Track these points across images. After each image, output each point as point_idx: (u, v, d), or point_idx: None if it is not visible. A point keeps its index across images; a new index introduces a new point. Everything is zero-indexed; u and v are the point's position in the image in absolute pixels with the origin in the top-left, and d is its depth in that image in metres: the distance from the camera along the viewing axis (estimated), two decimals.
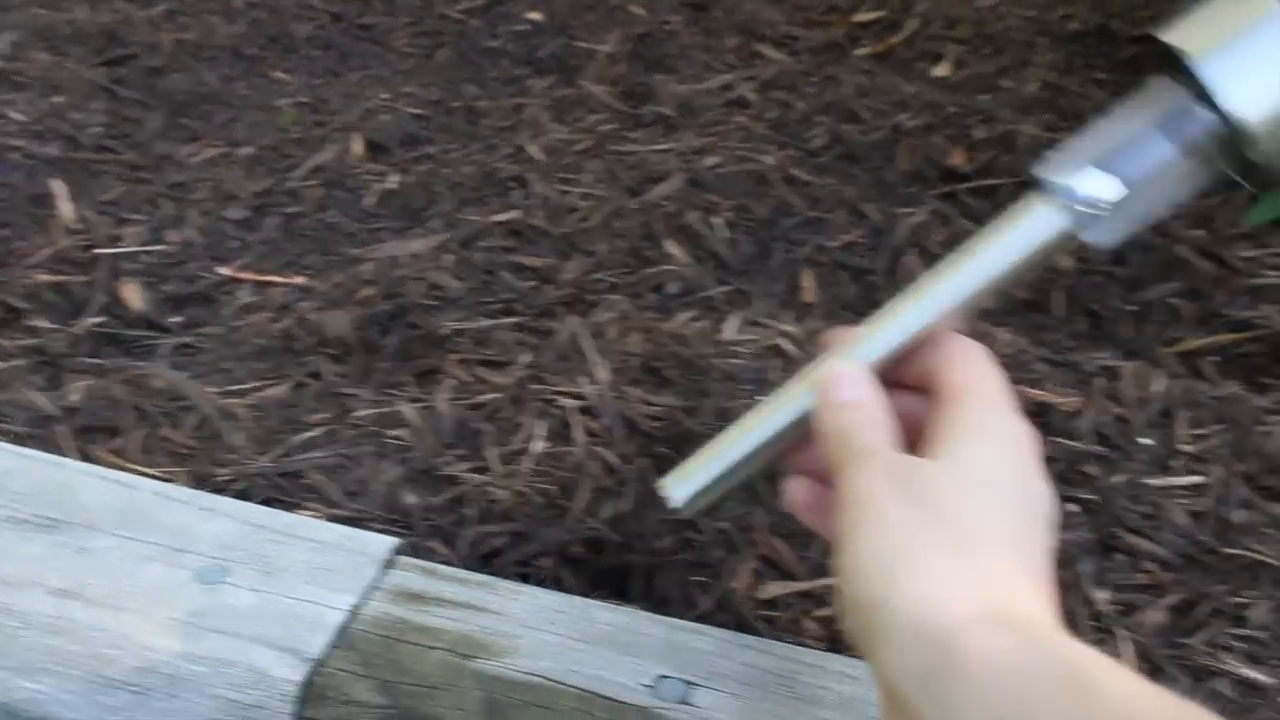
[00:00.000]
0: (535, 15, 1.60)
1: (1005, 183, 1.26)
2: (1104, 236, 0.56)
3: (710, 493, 0.63)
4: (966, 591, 0.50)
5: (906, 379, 0.60)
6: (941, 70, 1.51)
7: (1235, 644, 0.79)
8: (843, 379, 0.59)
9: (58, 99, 1.36)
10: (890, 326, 0.59)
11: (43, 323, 1.04)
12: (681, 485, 0.63)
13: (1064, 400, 0.95)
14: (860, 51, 1.54)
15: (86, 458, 0.87)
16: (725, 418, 0.88)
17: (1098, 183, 0.55)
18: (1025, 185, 0.57)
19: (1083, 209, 0.55)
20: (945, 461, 0.54)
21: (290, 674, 0.67)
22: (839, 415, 0.58)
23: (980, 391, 0.57)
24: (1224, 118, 0.52)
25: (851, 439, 0.57)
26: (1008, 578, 0.51)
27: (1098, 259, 1.17)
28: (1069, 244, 0.56)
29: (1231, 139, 0.53)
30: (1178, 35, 0.53)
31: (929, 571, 0.51)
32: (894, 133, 1.32)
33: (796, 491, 0.64)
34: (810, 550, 0.82)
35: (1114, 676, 0.47)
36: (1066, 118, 1.39)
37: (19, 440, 0.88)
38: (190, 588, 0.72)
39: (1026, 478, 0.55)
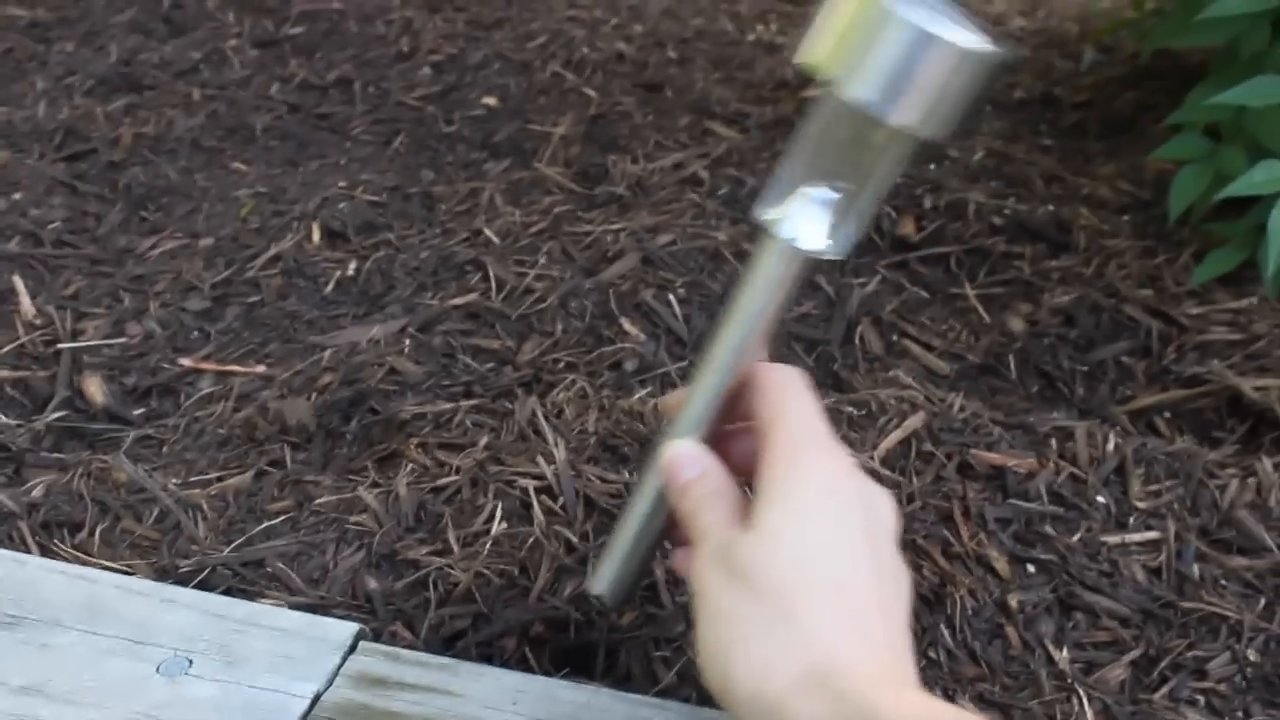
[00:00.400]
0: (491, 101, 1.62)
1: (954, 250, 1.28)
2: (836, 243, 0.60)
3: (625, 581, 0.70)
4: (790, 659, 0.53)
5: (744, 418, 0.64)
6: None
7: (1198, 697, 0.80)
8: (677, 461, 0.64)
9: (17, 195, 1.37)
10: (701, 392, 0.64)
11: (4, 418, 1.04)
12: (599, 580, 0.70)
13: (1019, 462, 0.96)
14: None
15: (48, 553, 0.87)
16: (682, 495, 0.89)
17: (802, 207, 0.59)
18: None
19: (802, 234, 0.59)
20: (758, 532, 0.57)
21: None
22: (682, 499, 0.63)
23: (787, 430, 0.60)
24: (862, 106, 0.56)
25: (694, 522, 0.62)
26: (827, 635, 0.54)
27: (1047, 322, 1.19)
28: (813, 260, 0.60)
29: (878, 122, 0.56)
30: (806, 51, 0.57)
31: (756, 648, 0.54)
32: None
33: (681, 561, 0.69)
34: None
35: None
36: (1013, 184, 1.42)
37: None
38: (153, 680, 0.72)
39: (840, 514, 0.58)
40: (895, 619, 0.58)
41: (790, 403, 0.62)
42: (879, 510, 0.61)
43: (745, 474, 0.63)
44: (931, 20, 0.54)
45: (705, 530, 0.61)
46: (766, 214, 0.60)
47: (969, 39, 0.55)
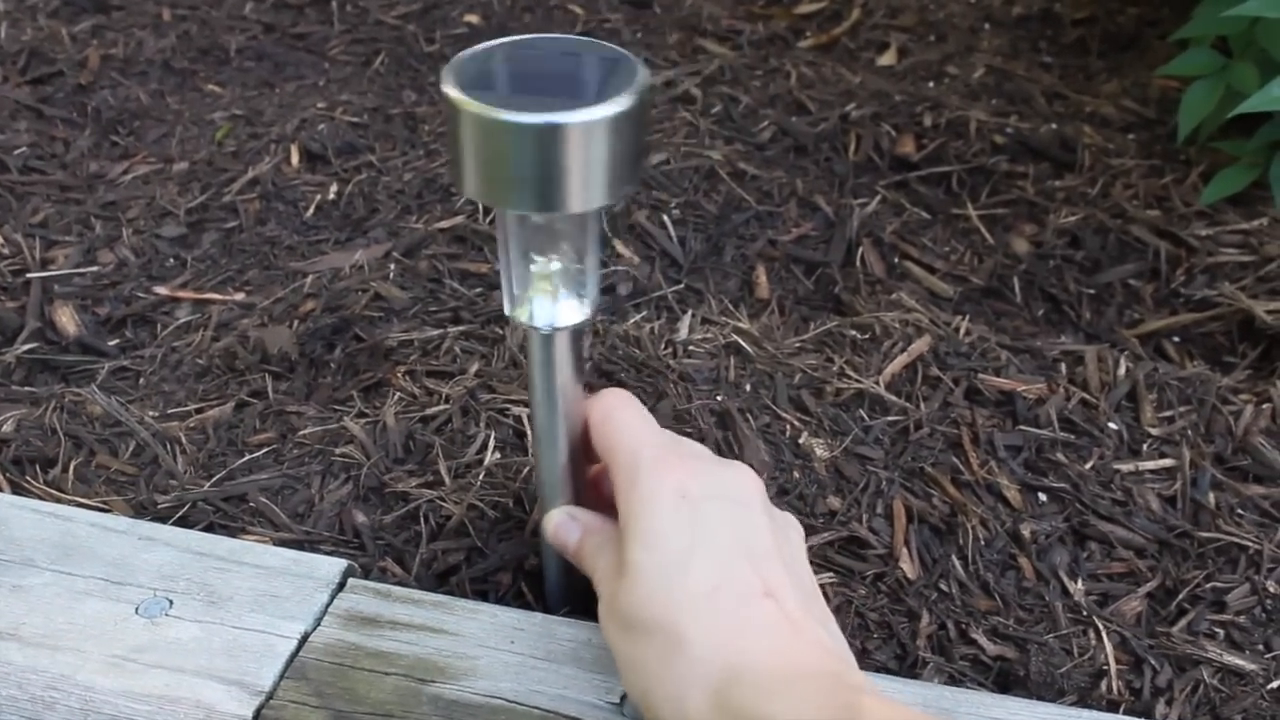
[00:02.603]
0: (473, 18, 1.57)
1: (956, 169, 1.24)
2: (583, 308, 0.61)
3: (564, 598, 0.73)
4: (694, 687, 0.54)
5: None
6: (887, 59, 1.49)
7: (1217, 630, 0.77)
8: (555, 533, 0.67)
9: None
10: (545, 466, 0.67)
11: None
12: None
13: (1028, 388, 0.93)
14: (804, 44, 1.52)
15: (20, 490, 0.84)
16: (683, 420, 0.86)
17: (537, 293, 0.60)
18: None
19: (547, 316, 0.61)
20: (626, 572, 0.58)
21: (239, 708, 0.64)
22: (577, 562, 0.66)
23: (619, 458, 0.62)
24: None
25: (591, 578, 0.63)
26: (716, 647, 0.54)
27: (1052, 243, 1.15)
28: (575, 329, 0.61)
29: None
30: (457, 184, 0.56)
31: (666, 687, 0.55)
32: (842, 123, 1.30)
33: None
34: None
35: None
36: (1014, 102, 1.38)
37: None
38: (131, 622, 0.69)
39: (693, 519, 0.58)
40: (787, 590, 0.57)
41: (616, 431, 0.63)
42: (737, 489, 0.61)
43: None
44: (536, 102, 0.51)
45: (597, 584, 0.62)
46: (514, 313, 0.61)
47: (582, 106, 0.51)
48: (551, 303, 0.60)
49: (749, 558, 0.57)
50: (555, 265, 0.60)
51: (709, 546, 0.57)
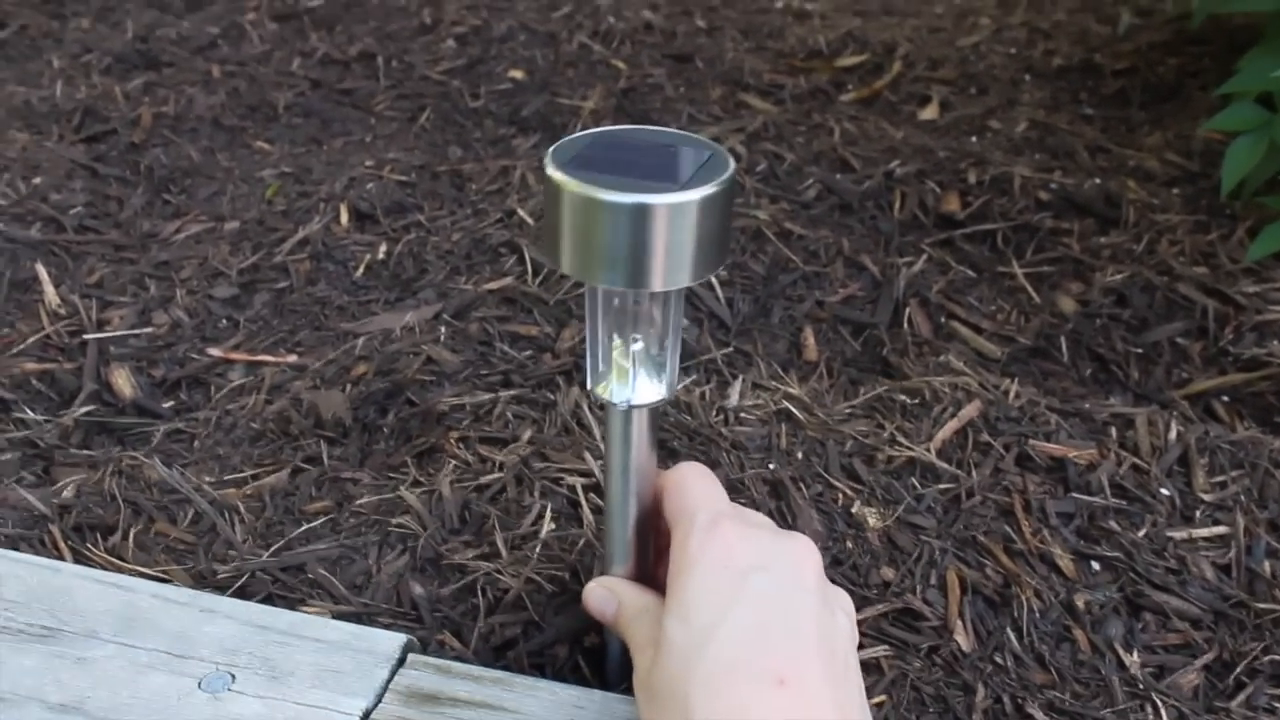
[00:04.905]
0: (517, 74, 1.58)
1: (1000, 226, 1.24)
2: (661, 388, 0.63)
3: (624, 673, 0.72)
4: None
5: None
6: (929, 113, 1.50)
7: (1276, 705, 0.77)
8: (594, 605, 0.68)
9: (37, 180, 1.34)
10: (612, 538, 0.69)
11: (31, 413, 1.02)
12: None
13: (1079, 453, 0.93)
14: (846, 97, 1.53)
15: (81, 558, 0.85)
16: (736, 490, 0.86)
17: (619, 371, 0.63)
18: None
19: (626, 393, 0.63)
20: (662, 642, 0.58)
21: None
22: (619, 632, 0.66)
23: (681, 524, 0.62)
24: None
25: (630, 648, 0.64)
26: None
27: (1099, 302, 1.15)
28: (654, 409, 0.64)
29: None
30: (546, 256, 0.60)
31: None
32: (886, 180, 1.30)
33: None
34: None
35: None
36: (1058, 156, 1.38)
37: (11, 542, 0.85)
38: (195, 697, 0.69)
39: (733, 588, 0.58)
40: (812, 677, 0.56)
41: (682, 496, 0.64)
42: (789, 563, 0.61)
43: None
44: (630, 183, 0.55)
45: (633, 655, 0.63)
46: (595, 388, 0.64)
47: (671, 189, 0.55)
48: (632, 381, 0.63)
49: (778, 637, 0.57)
50: (638, 345, 0.62)
51: (738, 623, 0.57)
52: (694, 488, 0.64)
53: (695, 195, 0.54)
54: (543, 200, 0.60)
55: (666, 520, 0.65)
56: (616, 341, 0.62)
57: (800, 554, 0.62)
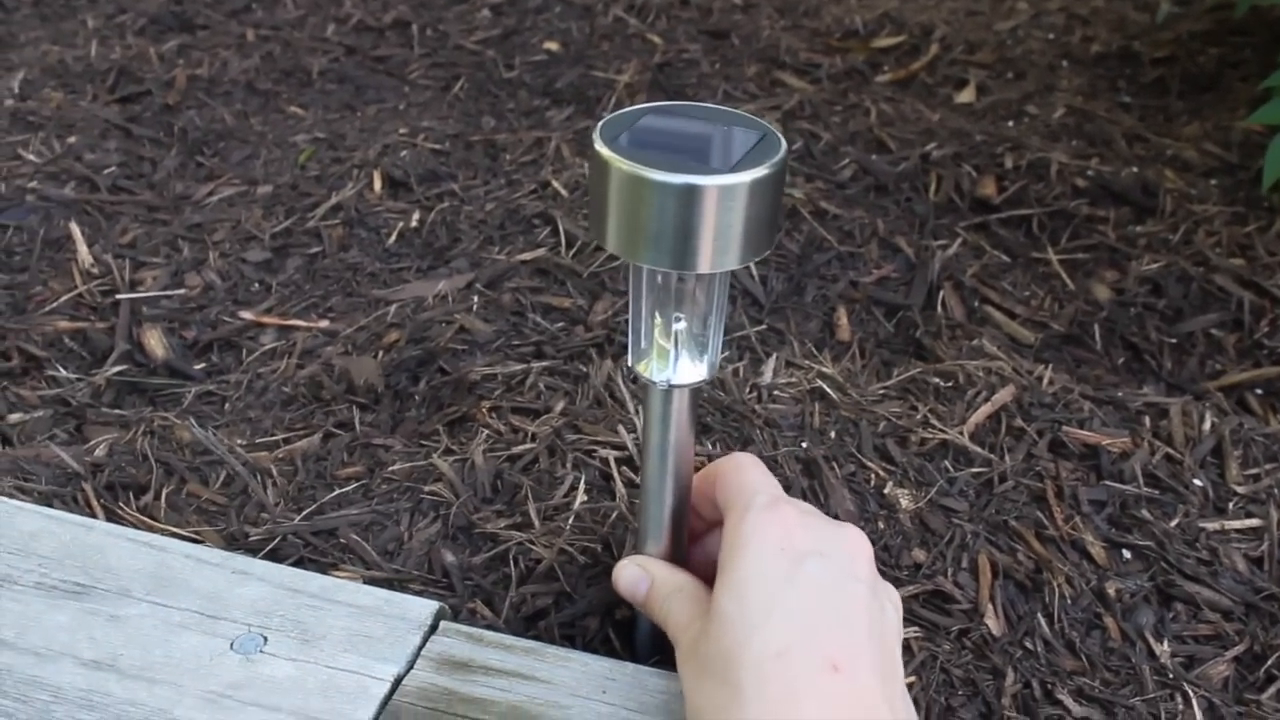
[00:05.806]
0: (552, 45, 1.58)
1: (1036, 212, 1.24)
2: (702, 369, 0.63)
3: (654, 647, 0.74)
4: None
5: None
6: (965, 97, 1.49)
7: None
8: (625, 585, 0.68)
9: (72, 139, 1.34)
10: (648, 518, 0.68)
11: (64, 371, 1.02)
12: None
13: (1112, 441, 0.92)
14: (882, 78, 1.52)
15: (113, 517, 0.85)
16: (768, 468, 0.86)
17: (661, 350, 0.62)
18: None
19: (667, 373, 0.62)
20: (712, 617, 0.59)
21: None
22: (647, 612, 0.67)
23: (735, 507, 0.62)
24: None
25: (665, 627, 0.64)
26: (763, 712, 0.54)
27: (1134, 291, 1.15)
28: (694, 389, 0.63)
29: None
30: (593, 234, 0.58)
31: None
32: (922, 162, 1.30)
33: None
34: None
35: None
36: (1095, 144, 1.37)
37: (45, 499, 0.86)
38: (228, 658, 0.70)
39: (787, 572, 0.58)
40: (863, 664, 0.57)
41: (738, 481, 0.64)
42: (843, 551, 0.61)
43: None
44: (679, 163, 0.54)
45: (674, 632, 0.63)
46: (636, 366, 0.63)
47: (723, 170, 0.54)
48: (673, 361, 0.62)
49: (831, 625, 0.57)
50: (681, 325, 0.61)
51: (792, 605, 0.57)
52: (751, 472, 0.65)
53: (746, 178, 0.53)
54: (587, 175, 0.59)
55: (719, 502, 0.65)
56: (658, 320, 0.62)
57: (854, 544, 0.62)
